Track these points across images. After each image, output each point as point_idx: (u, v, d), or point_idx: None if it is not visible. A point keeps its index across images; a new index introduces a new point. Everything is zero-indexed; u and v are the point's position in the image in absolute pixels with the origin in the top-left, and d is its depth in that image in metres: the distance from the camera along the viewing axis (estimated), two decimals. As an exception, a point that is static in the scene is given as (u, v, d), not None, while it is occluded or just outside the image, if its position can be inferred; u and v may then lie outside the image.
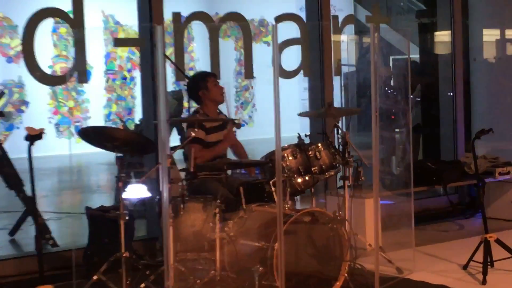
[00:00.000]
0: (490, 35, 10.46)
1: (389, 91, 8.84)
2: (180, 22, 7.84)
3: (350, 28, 9.91)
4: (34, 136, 5.30)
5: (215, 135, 6.60)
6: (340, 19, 8.96)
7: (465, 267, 6.36)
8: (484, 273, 5.98)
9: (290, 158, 5.94)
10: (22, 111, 16.34)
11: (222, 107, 6.88)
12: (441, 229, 8.13)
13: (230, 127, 6.75)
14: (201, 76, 6.84)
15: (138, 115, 15.70)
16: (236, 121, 6.68)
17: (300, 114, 6.89)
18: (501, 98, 9.99)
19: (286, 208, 5.46)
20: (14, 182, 7.65)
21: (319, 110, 7.08)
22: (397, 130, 9.03)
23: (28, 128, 5.34)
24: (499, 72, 10.23)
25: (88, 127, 6.31)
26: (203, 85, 6.69)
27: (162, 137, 4.92)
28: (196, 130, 5.51)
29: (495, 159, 8.71)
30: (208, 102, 6.69)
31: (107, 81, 17.39)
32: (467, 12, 10.13)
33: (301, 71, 8.51)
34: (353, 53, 10.67)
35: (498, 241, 6.22)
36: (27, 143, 5.42)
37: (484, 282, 5.94)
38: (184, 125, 7.32)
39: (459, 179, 8.40)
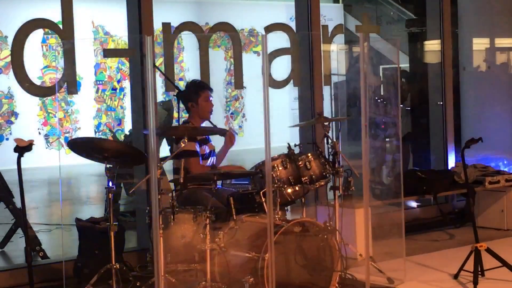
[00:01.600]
0: (479, 44, 10.50)
1: (378, 101, 8.86)
2: (170, 33, 7.83)
3: (340, 37, 9.94)
4: (23, 148, 5.29)
5: (208, 146, 6.58)
6: (330, 29, 8.97)
7: (455, 276, 6.36)
8: (475, 282, 5.97)
9: (280, 168, 5.94)
10: (12, 122, 16.30)
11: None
12: (432, 239, 8.13)
13: (229, 132, 6.68)
14: (195, 88, 6.68)
15: (128, 125, 15.68)
16: (226, 131, 6.66)
17: (291, 126, 6.88)
18: (490, 107, 10.02)
19: (277, 219, 5.46)
20: (3, 194, 7.62)
21: (309, 120, 7.07)
22: (387, 139, 9.04)
23: (17, 140, 5.34)
24: (488, 81, 10.25)
25: (77, 138, 6.31)
26: (194, 98, 6.59)
27: (152, 147, 4.91)
28: (185, 141, 5.47)
29: (485, 168, 8.73)
30: (195, 115, 6.61)
31: (96, 92, 17.36)
32: (457, 21, 10.16)
33: (291, 81, 8.51)
34: (343, 63, 10.67)
35: (488, 250, 6.22)
36: (16, 154, 5.40)
37: (475, 291, 5.94)
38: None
39: (449, 188, 8.41)
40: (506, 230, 8.38)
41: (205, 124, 6.69)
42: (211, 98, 6.64)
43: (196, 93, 6.60)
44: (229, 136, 6.67)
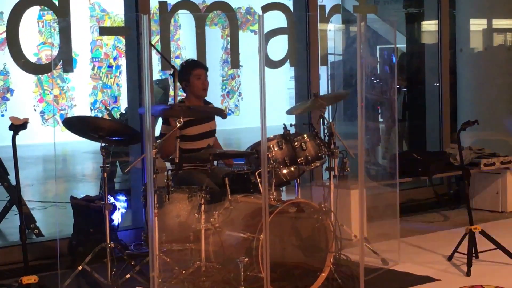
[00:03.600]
0: (477, 25, 10.47)
1: (375, 81, 8.84)
2: (167, 11, 7.79)
3: (337, 17, 9.90)
4: (18, 126, 5.26)
5: (196, 128, 6.46)
6: (328, 8, 8.94)
7: (449, 258, 6.38)
8: (469, 264, 5.99)
9: (276, 149, 5.93)
10: (7, 99, 16.27)
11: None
12: (426, 220, 8.15)
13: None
14: (187, 67, 6.59)
15: (123, 103, 15.66)
16: (223, 111, 6.61)
17: (288, 112, 6.84)
18: (487, 89, 10.01)
19: (272, 199, 5.45)
20: (-2, 171, 7.61)
21: (306, 103, 7.04)
22: (383, 120, 9.04)
23: (12, 118, 5.31)
24: (485, 62, 10.24)
25: (73, 116, 6.29)
26: (186, 77, 6.50)
27: (147, 127, 4.89)
28: (181, 121, 5.44)
29: (480, 150, 8.73)
30: (189, 95, 6.55)
31: (92, 69, 17.32)
32: (454, 2, 10.13)
33: (288, 61, 8.49)
34: (340, 43, 10.65)
35: (482, 233, 6.23)
36: (11, 131, 5.38)
37: (468, 273, 5.95)
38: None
39: (445, 170, 8.42)
40: (501, 212, 8.41)
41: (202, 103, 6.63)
42: (205, 76, 6.57)
43: (188, 72, 6.52)
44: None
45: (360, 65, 5.55)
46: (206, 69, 6.62)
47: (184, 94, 6.64)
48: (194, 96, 6.53)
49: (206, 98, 6.67)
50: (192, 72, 6.51)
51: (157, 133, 6.39)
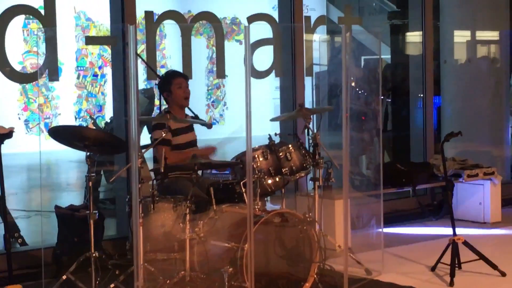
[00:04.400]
0: (460, 36, 10.54)
1: (359, 92, 8.88)
2: (153, 21, 7.81)
3: (323, 28, 9.95)
4: (3, 135, 5.27)
5: (183, 137, 6.52)
6: (313, 19, 8.99)
7: (433, 268, 6.41)
8: (452, 274, 6.02)
9: (261, 159, 5.96)
10: (-9, 107, 16.20)
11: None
12: (410, 231, 8.18)
13: (212, 147, 6.69)
14: (167, 77, 6.67)
15: (108, 112, 15.63)
16: (207, 122, 6.66)
17: (272, 119, 6.88)
18: (470, 100, 10.07)
19: (256, 209, 5.47)
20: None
21: (291, 113, 7.08)
22: (367, 130, 9.07)
23: (-3, 127, 5.31)
24: (469, 74, 10.30)
25: (58, 126, 6.27)
26: (167, 87, 6.57)
27: (133, 136, 4.90)
28: (166, 131, 5.47)
29: (463, 161, 8.78)
30: (172, 104, 6.60)
31: (77, 78, 17.29)
32: (438, 14, 10.19)
33: (273, 71, 8.52)
34: (325, 53, 10.69)
35: (465, 243, 6.27)
36: (-4, 141, 5.39)
37: (451, 283, 5.98)
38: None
39: (428, 180, 8.46)
40: (484, 223, 8.45)
41: (180, 115, 6.65)
42: (186, 85, 6.62)
43: (169, 81, 6.59)
44: (210, 149, 6.67)
45: (345, 76, 5.59)
46: (186, 78, 6.69)
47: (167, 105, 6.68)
48: (176, 105, 6.57)
49: (190, 107, 6.71)
50: (173, 81, 6.56)
51: (142, 142, 6.40)
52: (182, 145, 6.50)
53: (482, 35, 10.67)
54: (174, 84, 6.56)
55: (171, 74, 6.76)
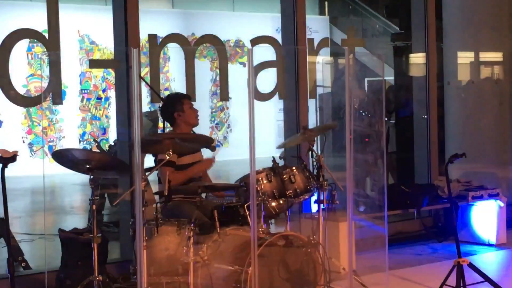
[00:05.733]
0: (464, 57, 10.54)
1: (363, 114, 8.88)
2: (156, 44, 7.84)
3: (326, 50, 9.98)
4: (7, 159, 5.26)
5: (188, 158, 6.54)
6: (316, 40, 9.01)
7: (438, 291, 6.39)
8: (457, 297, 6.00)
9: (265, 181, 5.95)
10: (-5, 130, 16.23)
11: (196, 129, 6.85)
12: (415, 253, 8.16)
13: (213, 159, 6.70)
14: (177, 98, 6.73)
15: (112, 135, 15.65)
16: (212, 143, 6.67)
17: (279, 147, 6.90)
18: (474, 121, 10.06)
19: (260, 232, 5.46)
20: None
21: (296, 136, 7.08)
22: (371, 152, 9.06)
23: (1, 151, 5.31)
24: (473, 95, 10.29)
25: (62, 149, 6.28)
26: (179, 107, 6.62)
27: (136, 159, 4.90)
28: (170, 153, 5.48)
29: (468, 182, 8.76)
30: (182, 124, 6.63)
31: (81, 101, 17.33)
32: (442, 35, 10.21)
33: (277, 93, 8.53)
34: (328, 75, 10.71)
35: (470, 265, 6.24)
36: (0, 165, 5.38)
37: (457, 306, 5.96)
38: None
39: (433, 202, 8.43)
40: (489, 245, 8.41)
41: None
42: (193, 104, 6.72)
43: (180, 101, 6.65)
44: (208, 161, 6.68)
45: (348, 97, 5.59)
46: (191, 99, 6.79)
47: (171, 127, 6.70)
48: (187, 124, 6.62)
49: (194, 129, 6.74)
50: (184, 102, 6.63)
51: (146, 165, 6.40)
52: (187, 166, 6.51)
53: (485, 56, 10.68)
54: (186, 104, 6.64)
55: (182, 95, 6.84)
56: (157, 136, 6.60)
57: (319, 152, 6.48)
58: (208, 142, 6.52)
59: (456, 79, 10.36)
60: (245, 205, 5.64)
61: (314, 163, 6.38)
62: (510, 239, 8.56)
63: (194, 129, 6.79)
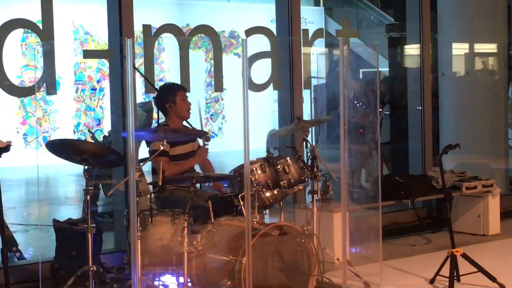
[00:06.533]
0: (459, 49, 10.55)
1: (357, 105, 8.89)
2: (151, 35, 7.82)
3: (321, 41, 9.97)
4: (1, 149, 5.26)
5: (181, 148, 6.53)
6: (311, 32, 9.00)
7: (431, 281, 6.40)
8: (451, 287, 6.01)
9: (259, 172, 5.96)
10: (-11, 122, 16.19)
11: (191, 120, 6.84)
12: (409, 243, 8.17)
13: (203, 147, 6.68)
14: (171, 88, 6.71)
15: (107, 125, 15.63)
16: (206, 134, 6.68)
17: (272, 134, 6.90)
18: (469, 112, 10.07)
19: (255, 222, 5.47)
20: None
21: (289, 126, 7.09)
22: (365, 143, 9.07)
23: (-6, 141, 5.31)
24: (467, 86, 10.30)
25: (55, 139, 6.27)
26: (171, 99, 6.60)
27: (130, 150, 4.90)
28: (164, 143, 5.48)
29: (462, 173, 8.78)
30: (173, 116, 6.61)
31: (76, 91, 17.30)
32: (436, 26, 10.21)
33: (271, 84, 8.53)
34: (323, 66, 10.71)
35: (464, 256, 6.25)
36: (-6, 155, 5.38)
37: (450, 296, 5.98)
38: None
39: (427, 193, 8.44)
40: (482, 235, 8.43)
41: (179, 126, 6.66)
42: (187, 98, 6.67)
43: (173, 93, 6.62)
44: (201, 154, 6.67)
45: (343, 89, 5.59)
46: (186, 91, 6.72)
47: (164, 118, 6.69)
48: (178, 117, 6.59)
49: (189, 121, 6.73)
50: (178, 93, 6.60)
51: (141, 155, 6.40)
52: (181, 156, 6.51)
53: (480, 47, 10.69)
54: (179, 96, 6.60)
55: (176, 86, 6.81)
56: (149, 130, 6.63)
57: (314, 143, 6.48)
58: (200, 136, 6.55)
59: (450, 70, 10.37)
60: (239, 196, 5.64)
61: (309, 154, 6.39)
62: (504, 229, 8.59)
63: (190, 120, 6.78)
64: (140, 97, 11.28)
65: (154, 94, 6.89)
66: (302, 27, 8.60)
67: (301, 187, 6.21)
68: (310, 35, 8.95)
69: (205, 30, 8.70)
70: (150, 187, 6.16)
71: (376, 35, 15.53)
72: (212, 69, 8.47)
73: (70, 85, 17.06)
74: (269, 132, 6.84)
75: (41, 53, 7.42)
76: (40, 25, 7.05)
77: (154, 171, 6.39)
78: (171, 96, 6.60)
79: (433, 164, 9.25)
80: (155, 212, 5.49)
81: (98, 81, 17.46)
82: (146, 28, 7.67)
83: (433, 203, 9.11)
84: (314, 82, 9.78)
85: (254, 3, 18.38)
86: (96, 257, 6.30)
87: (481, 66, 10.64)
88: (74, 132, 17.11)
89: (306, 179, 6.21)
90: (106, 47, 10.36)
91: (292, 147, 6.80)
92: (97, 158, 5.69)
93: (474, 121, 10.03)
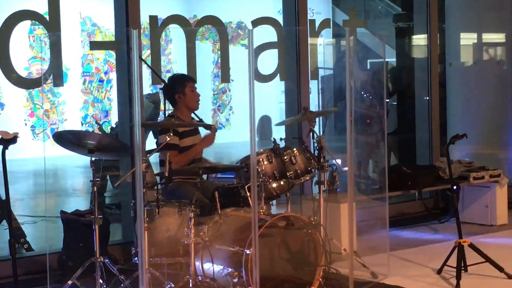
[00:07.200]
0: (467, 39, 10.52)
1: (365, 95, 8.87)
2: (157, 25, 7.82)
3: (328, 31, 9.95)
4: (8, 140, 5.28)
5: (189, 139, 6.54)
6: (318, 23, 8.99)
7: (439, 271, 6.40)
8: (458, 277, 6.01)
9: (266, 162, 5.95)
10: (-3, 113, 16.23)
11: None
12: (416, 234, 8.17)
13: (213, 131, 6.68)
14: (180, 79, 6.69)
15: (114, 117, 15.64)
16: (212, 126, 6.68)
17: (278, 124, 6.89)
18: (476, 103, 10.05)
19: (261, 213, 5.47)
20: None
21: (296, 116, 7.09)
22: (373, 134, 9.07)
23: (2, 132, 5.32)
24: (475, 76, 10.28)
25: (63, 131, 6.28)
26: (180, 89, 6.59)
27: (137, 141, 4.91)
28: (171, 135, 5.49)
29: (469, 163, 8.76)
30: (182, 107, 6.61)
31: (83, 83, 17.32)
32: (444, 16, 10.18)
33: (278, 75, 8.52)
34: (330, 57, 10.70)
35: (471, 246, 6.25)
36: (0, 147, 5.39)
37: (457, 286, 5.97)
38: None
39: (434, 183, 8.43)
40: (490, 225, 8.42)
41: (188, 118, 6.66)
42: (196, 89, 6.67)
43: (182, 84, 6.61)
44: (208, 138, 6.66)
45: (349, 79, 5.59)
46: (195, 82, 6.71)
47: (172, 108, 6.68)
48: (186, 108, 6.59)
49: (197, 112, 6.73)
50: (187, 84, 6.59)
51: (148, 147, 6.41)
52: (188, 148, 6.51)
53: (488, 37, 10.65)
54: (188, 87, 6.60)
55: (186, 77, 6.80)
56: (157, 124, 6.62)
57: (320, 133, 6.48)
58: (207, 129, 6.56)
59: (458, 60, 10.34)
60: (246, 186, 5.64)
61: (315, 145, 6.39)
62: (511, 219, 8.58)
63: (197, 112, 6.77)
64: (147, 89, 11.29)
65: (161, 85, 6.88)
66: (309, 17, 8.58)
67: (308, 178, 6.20)
68: (317, 26, 8.93)
69: (212, 21, 8.69)
70: (158, 178, 6.17)
71: (383, 25, 15.47)
72: (220, 61, 8.46)
73: (77, 77, 17.07)
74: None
75: (48, 44, 7.43)
76: (47, 17, 7.05)
77: (162, 163, 6.39)
78: (180, 87, 6.60)
79: (440, 154, 9.24)
80: (162, 203, 5.49)
81: (106, 73, 17.47)
82: (153, 19, 7.67)
83: (440, 193, 9.09)
84: (321, 72, 9.77)
85: (262, -6, 18.33)
86: (103, 248, 6.32)
87: (488, 56, 10.61)
88: (82, 124, 17.14)
89: (312, 170, 6.21)
90: (113, 38, 10.36)
91: (299, 138, 6.80)
92: (104, 149, 5.69)
93: (482, 111, 10.01)
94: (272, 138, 6.16)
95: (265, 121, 11.02)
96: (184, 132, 6.46)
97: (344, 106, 5.71)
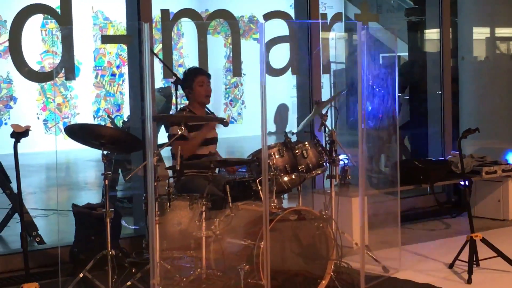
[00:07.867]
0: (479, 33, 10.48)
1: (376, 89, 8.85)
2: (169, 19, 7.82)
3: (340, 25, 9.94)
4: (20, 134, 5.27)
5: (195, 133, 6.51)
6: (329, 17, 8.97)
7: (451, 266, 6.38)
8: (470, 272, 6.00)
9: (277, 156, 5.95)
10: (10, 107, 16.28)
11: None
12: (428, 228, 8.15)
13: (225, 125, 6.66)
14: (190, 74, 6.69)
15: (126, 111, 15.66)
16: (224, 120, 6.67)
17: (298, 130, 6.88)
18: (489, 97, 10.02)
19: (273, 207, 5.46)
20: (0, 178, 7.62)
21: (311, 114, 7.04)
22: (385, 128, 9.04)
23: (14, 126, 5.32)
24: (488, 71, 10.25)
25: (74, 124, 6.30)
26: (188, 84, 6.61)
27: (148, 134, 4.91)
28: (182, 128, 5.49)
29: (482, 158, 8.73)
30: (193, 102, 6.62)
31: (96, 77, 17.35)
32: (456, 10, 10.15)
33: (289, 69, 8.51)
34: (342, 51, 10.67)
35: (483, 240, 6.24)
36: (12, 140, 5.39)
37: (469, 281, 5.95)
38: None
39: (446, 178, 8.41)
40: (502, 220, 8.40)
41: (200, 111, 6.65)
42: (208, 83, 6.63)
43: (191, 79, 6.62)
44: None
45: (360, 73, 5.58)
46: (208, 76, 6.68)
47: (187, 102, 6.69)
48: (197, 103, 6.59)
49: (208, 106, 6.73)
50: (195, 79, 6.59)
51: (160, 140, 6.41)
52: (202, 142, 6.50)
53: (501, 31, 10.61)
54: (196, 82, 6.58)
55: (194, 71, 6.76)
56: (168, 117, 6.61)
57: (332, 127, 6.47)
58: (219, 122, 6.54)
59: (471, 54, 10.31)
60: (257, 180, 5.64)
61: (327, 139, 6.38)
62: (524, 214, 8.56)
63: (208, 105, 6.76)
64: (159, 82, 11.30)
65: (173, 79, 6.88)
66: (322, 11, 8.57)
67: (319, 172, 6.20)
68: (328, 20, 8.91)
69: (223, 14, 8.69)
70: (169, 171, 6.18)
71: (395, 19, 15.43)
72: (231, 54, 8.46)
73: (89, 71, 17.11)
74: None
75: (60, 38, 7.45)
76: (59, 11, 7.06)
77: (174, 156, 6.40)
78: (189, 82, 6.61)
79: (452, 148, 9.22)
80: (173, 196, 5.51)
81: (118, 67, 17.50)
82: (164, 12, 7.67)
83: (452, 187, 9.07)
84: (333, 67, 9.75)
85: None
86: (115, 241, 6.33)
87: (501, 51, 10.57)
88: (94, 117, 17.18)
89: (324, 163, 6.20)
90: (125, 32, 10.38)
91: (310, 132, 6.79)
92: (115, 142, 5.69)
93: (494, 106, 9.98)
94: (283, 132, 6.15)
95: (282, 108, 11.05)
96: (196, 126, 6.47)
97: (356, 100, 5.70)
